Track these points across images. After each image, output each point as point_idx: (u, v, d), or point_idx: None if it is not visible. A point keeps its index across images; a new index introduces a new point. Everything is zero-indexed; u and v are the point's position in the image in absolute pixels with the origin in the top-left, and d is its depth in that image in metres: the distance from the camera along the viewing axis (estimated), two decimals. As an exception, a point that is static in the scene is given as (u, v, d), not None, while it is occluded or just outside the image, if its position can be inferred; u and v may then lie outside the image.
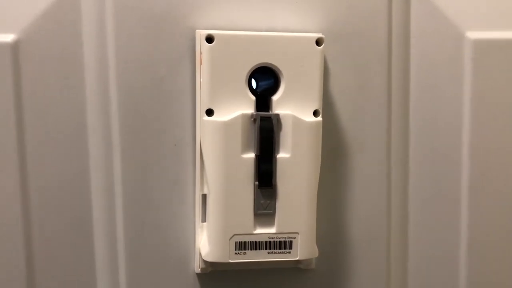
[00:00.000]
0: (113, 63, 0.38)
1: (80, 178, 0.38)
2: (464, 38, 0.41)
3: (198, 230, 0.39)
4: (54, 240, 0.38)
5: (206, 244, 0.37)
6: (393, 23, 0.41)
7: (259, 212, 0.36)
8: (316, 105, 0.37)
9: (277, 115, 0.36)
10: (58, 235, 0.38)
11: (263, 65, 0.36)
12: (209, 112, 0.36)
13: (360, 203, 0.41)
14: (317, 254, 0.37)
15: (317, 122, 0.36)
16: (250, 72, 0.36)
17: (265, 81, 0.36)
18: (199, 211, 0.38)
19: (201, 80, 0.36)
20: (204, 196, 0.38)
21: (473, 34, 0.41)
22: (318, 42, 0.36)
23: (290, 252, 0.36)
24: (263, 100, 0.36)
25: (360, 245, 0.42)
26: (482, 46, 0.42)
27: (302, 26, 0.39)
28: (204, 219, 0.38)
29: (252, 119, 0.35)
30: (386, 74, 0.41)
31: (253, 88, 0.37)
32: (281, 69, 0.36)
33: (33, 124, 0.37)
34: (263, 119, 0.35)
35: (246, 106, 0.36)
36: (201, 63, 0.37)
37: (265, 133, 0.35)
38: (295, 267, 0.40)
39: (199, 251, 0.38)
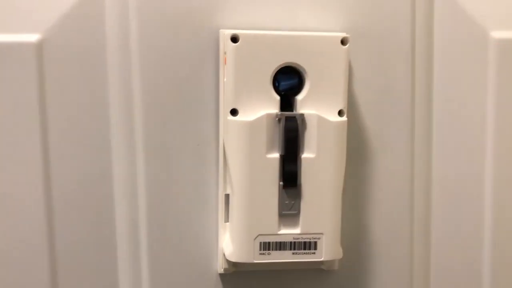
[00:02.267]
0: (136, 62, 0.38)
1: (103, 177, 0.38)
2: (489, 37, 0.41)
3: (221, 230, 0.39)
4: (76, 239, 0.38)
5: (230, 244, 0.37)
6: (416, 22, 0.40)
7: (283, 212, 0.35)
8: (341, 105, 0.36)
9: (302, 115, 0.35)
10: (80, 234, 0.38)
11: (287, 64, 0.35)
12: (234, 112, 0.35)
13: (383, 203, 0.41)
14: (341, 255, 0.37)
15: (342, 122, 0.36)
16: (275, 72, 0.35)
17: (289, 80, 0.36)
18: (222, 211, 0.38)
19: (225, 79, 0.36)
20: (227, 196, 0.38)
21: (497, 34, 0.41)
22: (343, 42, 0.36)
23: (314, 253, 0.36)
24: (287, 100, 0.36)
25: (383, 246, 0.41)
26: (507, 46, 0.41)
27: (325, 25, 0.39)
28: (227, 219, 0.38)
29: (277, 119, 0.35)
30: (410, 74, 0.40)
31: (277, 88, 0.36)
32: (305, 68, 0.35)
33: (57, 123, 0.37)
34: (288, 119, 0.35)
35: (271, 106, 0.36)
36: (225, 63, 0.36)
37: (290, 133, 0.35)
38: (318, 268, 0.40)
39: (222, 251, 0.38)
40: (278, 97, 0.36)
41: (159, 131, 0.38)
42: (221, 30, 0.37)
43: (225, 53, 0.36)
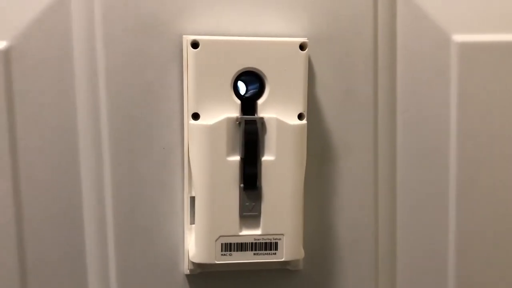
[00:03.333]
0: (102, 68, 0.38)
1: (70, 180, 0.39)
2: (450, 41, 0.42)
3: (186, 232, 0.39)
4: (45, 242, 0.39)
5: (193, 245, 0.37)
6: (379, 26, 0.41)
7: (244, 214, 0.36)
8: (301, 108, 0.37)
9: (262, 118, 0.36)
10: (49, 236, 0.39)
11: (247, 69, 0.36)
12: (195, 116, 0.36)
13: (347, 205, 0.42)
14: (303, 255, 0.38)
15: (301, 125, 0.37)
16: (235, 77, 0.36)
17: (250, 85, 0.37)
18: (188, 213, 0.39)
19: (188, 84, 0.37)
20: (192, 199, 0.39)
21: (459, 37, 0.42)
22: (302, 47, 0.37)
23: (275, 253, 0.37)
24: (249, 104, 0.37)
25: (348, 247, 0.42)
26: (468, 49, 0.42)
27: (288, 30, 0.40)
28: (193, 221, 0.39)
29: (237, 122, 0.36)
30: (372, 77, 0.41)
31: (239, 92, 0.37)
32: (265, 73, 0.36)
33: (25, 129, 0.38)
34: (247, 122, 0.36)
35: (232, 110, 0.36)
36: (187, 68, 0.37)
37: (250, 136, 0.36)
38: (283, 268, 0.40)
39: (188, 252, 0.39)
40: (239, 101, 0.37)
41: (126, 135, 0.39)
42: (184, 36, 0.38)
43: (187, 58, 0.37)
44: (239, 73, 0.36)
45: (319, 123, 0.41)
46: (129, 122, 0.39)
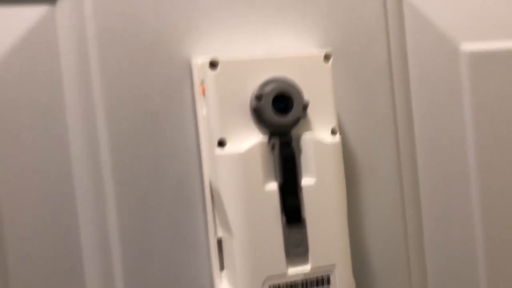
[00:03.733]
0: (99, 101, 0.33)
1: (68, 234, 0.32)
2: (459, 50, 0.41)
3: (217, 281, 0.34)
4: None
5: (233, 294, 0.32)
6: (390, 39, 0.39)
7: (291, 251, 0.32)
8: (333, 122, 0.34)
9: (298, 137, 0.32)
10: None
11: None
12: (221, 144, 0.32)
13: (376, 230, 0.39)
14: (354, 286, 0.34)
15: (337, 142, 0.33)
16: (260, 96, 0.32)
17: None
18: (215, 258, 0.34)
19: (206, 111, 0.33)
20: (219, 240, 0.34)
21: (467, 46, 0.41)
22: (326, 57, 0.34)
23: (328, 288, 0.32)
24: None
25: (381, 276, 0.39)
26: (477, 58, 0.41)
27: (300, 47, 0.37)
28: (222, 267, 0.34)
29: (270, 145, 0.32)
30: (389, 91, 0.39)
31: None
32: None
33: (16, 168, 0.31)
34: (282, 144, 0.32)
35: (259, 133, 0.32)
36: (203, 93, 0.33)
37: (288, 160, 0.32)
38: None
39: (222, 304, 0.34)
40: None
41: (132, 176, 0.34)
42: (193, 59, 0.34)
43: (201, 82, 0.33)
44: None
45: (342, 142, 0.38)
46: (135, 161, 0.34)
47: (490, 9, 0.42)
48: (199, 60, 0.33)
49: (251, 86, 0.32)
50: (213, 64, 0.32)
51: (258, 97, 0.31)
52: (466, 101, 0.41)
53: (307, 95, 0.33)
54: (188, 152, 0.35)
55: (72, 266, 0.33)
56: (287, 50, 0.36)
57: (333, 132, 0.34)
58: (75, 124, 0.33)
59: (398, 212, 0.39)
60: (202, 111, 0.34)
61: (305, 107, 0.32)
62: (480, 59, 0.41)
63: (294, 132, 0.33)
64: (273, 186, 0.32)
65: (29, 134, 0.32)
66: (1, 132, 0.31)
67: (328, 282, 0.33)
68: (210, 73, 0.32)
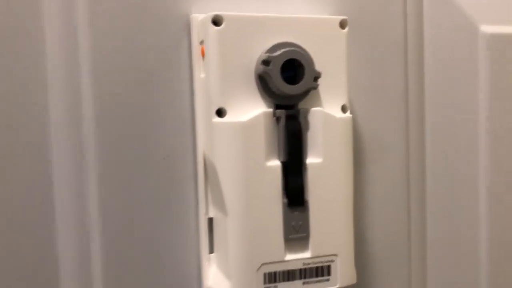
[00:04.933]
0: (85, 56, 0.29)
1: (42, 204, 0.29)
2: (479, 32, 0.38)
3: (205, 264, 0.31)
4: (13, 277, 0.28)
5: (224, 279, 0.29)
6: (408, 14, 0.36)
7: (290, 236, 0.28)
8: (344, 99, 0.31)
9: (305, 111, 0.29)
10: (17, 275, 0.28)
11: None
12: (220, 113, 0.28)
13: (380, 216, 0.36)
14: (355, 280, 0.31)
15: (348, 119, 0.30)
16: (267, 61, 0.29)
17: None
18: (206, 239, 0.31)
19: (206, 74, 0.29)
20: (210, 220, 0.30)
21: (487, 28, 0.38)
22: (342, 25, 0.30)
23: (328, 280, 0.29)
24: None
25: (381, 265, 0.36)
26: (497, 40, 0.38)
27: (311, 12, 0.33)
28: (211, 249, 0.31)
29: (275, 117, 0.29)
30: (402, 69, 0.36)
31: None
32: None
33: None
34: (289, 117, 0.28)
35: (263, 103, 0.29)
36: (202, 54, 0.29)
37: (293, 135, 0.28)
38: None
39: (209, 290, 0.30)
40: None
41: (116, 142, 0.30)
42: (193, 15, 0.30)
43: (201, 42, 0.29)
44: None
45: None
46: (121, 126, 0.30)
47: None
48: (200, 17, 0.29)
49: (258, 49, 0.29)
50: (216, 21, 0.28)
51: (266, 62, 0.28)
52: (482, 84, 0.38)
53: (318, 64, 0.29)
54: (181, 120, 0.31)
55: (45, 241, 0.29)
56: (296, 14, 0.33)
57: (343, 109, 0.31)
58: (56, 81, 0.29)
59: (402, 199, 0.37)
60: (199, 74, 0.30)
61: (316, 77, 0.29)
62: (500, 42, 0.38)
63: (301, 105, 0.30)
64: (275, 162, 0.28)
65: (7, 91, 0.28)
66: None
67: (329, 272, 0.30)
68: (213, 30, 0.28)
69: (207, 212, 0.31)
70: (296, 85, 0.28)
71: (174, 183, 0.31)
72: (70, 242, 0.29)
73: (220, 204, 0.29)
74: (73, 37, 0.29)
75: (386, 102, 0.36)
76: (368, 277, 0.36)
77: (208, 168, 0.30)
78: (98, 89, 0.29)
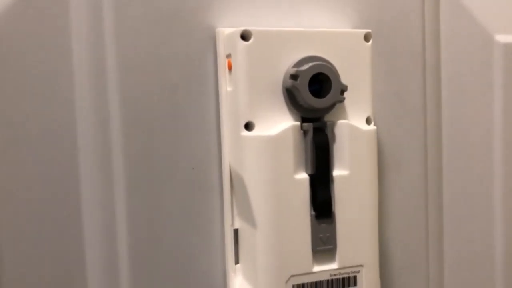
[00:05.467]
0: (112, 68, 0.29)
1: (69, 215, 0.29)
2: (494, 41, 0.38)
3: (230, 275, 0.31)
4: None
5: (251, 291, 0.29)
6: (426, 25, 0.37)
7: (318, 248, 0.29)
8: (369, 110, 0.31)
9: (332, 124, 0.29)
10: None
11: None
12: (248, 126, 0.29)
13: (398, 227, 0.36)
14: (380, 289, 0.31)
15: (373, 131, 0.31)
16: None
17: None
18: (231, 250, 0.31)
19: (233, 88, 0.29)
20: (236, 232, 0.31)
21: (502, 38, 0.39)
22: (366, 38, 0.31)
23: (354, 290, 0.30)
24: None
25: (400, 276, 0.37)
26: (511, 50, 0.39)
27: (332, 26, 0.34)
28: (237, 260, 0.31)
29: (302, 130, 0.29)
30: (421, 79, 0.37)
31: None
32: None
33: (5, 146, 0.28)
34: (316, 130, 0.29)
35: (290, 116, 0.29)
36: (228, 68, 0.30)
37: (321, 147, 0.29)
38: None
39: (236, 301, 0.30)
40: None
41: (143, 155, 0.30)
42: (218, 29, 0.30)
43: (227, 55, 0.30)
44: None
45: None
46: (148, 138, 0.30)
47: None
48: (226, 30, 0.30)
49: (285, 63, 0.29)
50: (245, 36, 0.28)
51: (294, 76, 0.28)
52: (497, 94, 0.39)
53: (343, 77, 0.30)
54: (207, 133, 0.31)
55: (73, 251, 0.29)
56: (316, 27, 0.33)
57: (368, 121, 0.31)
58: (83, 94, 0.29)
59: (420, 210, 0.37)
60: (225, 87, 0.30)
61: (343, 91, 0.29)
62: (515, 53, 0.39)
63: (326, 117, 0.30)
64: (303, 175, 0.29)
65: (34, 99, 0.28)
66: (4, 97, 0.28)
67: (355, 283, 0.30)
68: (242, 45, 0.28)
69: (232, 223, 0.31)
70: (323, 99, 0.29)
71: (200, 195, 0.31)
72: (97, 252, 0.30)
73: (248, 216, 0.29)
74: (100, 48, 0.29)
75: (405, 113, 0.36)
76: (388, 287, 0.36)
77: (235, 181, 0.30)
78: (124, 101, 0.30)
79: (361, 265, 0.30)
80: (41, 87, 0.28)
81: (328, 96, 0.29)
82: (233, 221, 0.31)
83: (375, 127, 0.31)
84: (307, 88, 0.28)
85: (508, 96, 0.39)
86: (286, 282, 0.28)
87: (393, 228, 0.36)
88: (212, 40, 0.31)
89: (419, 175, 0.37)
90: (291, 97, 0.29)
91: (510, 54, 0.39)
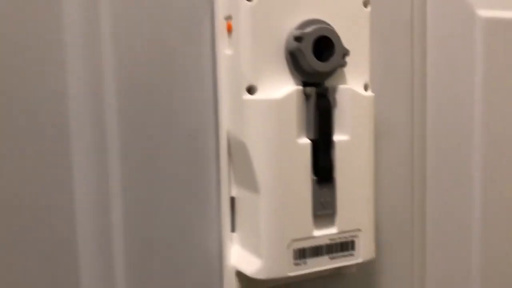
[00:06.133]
0: (106, 28, 0.28)
1: (62, 182, 0.27)
2: (475, 16, 0.39)
3: (227, 243, 0.31)
4: (33, 259, 0.27)
5: (252, 258, 0.29)
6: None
7: (318, 213, 0.29)
8: (366, 77, 0.31)
9: (334, 89, 0.29)
10: (38, 254, 0.27)
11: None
12: (251, 90, 0.28)
13: (387, 193, 0.37)
14: (374, 255, 0.32)
15: (372, 97, 0.31)
16: (296, 39, 0.29)
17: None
18: (227, 218, 0.30)
19: (234, 51, 0.28)
20: (232, 200, 0.30)
21: (484, 13, 0.40)
22: (365, 4, 0.31)
23: (352, 254, 0.30)
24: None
25: (388, 241, 0.37)
26: (493, 25, 0.40)
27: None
28: (233, 228, 0.31)
29: (305, 95, 0.29)
30: (409, 51, 0.37)
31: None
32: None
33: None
34: (319, 95, 0.29)
35: (292, 80, 0.29)
36: (228, 30, 0.29)
37: (324, 112, 0.28)
38: (336, 273, 0.34)
39: (234, 268, 0.30)
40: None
41: (136, 120, 0.29)
42: (218, -12, 0.29)
43: (227, 17, 0.29)
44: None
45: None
46: (142, 104, 0.29)
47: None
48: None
49: (288, 26, 0.28)
50: (249, -4, 0.27)
51: (298, 38, 0.27)
52: (478, 64, 0.40)
53: (344, 42, 0.30)
54: (203, 98, 0.30)
55: (65, 216, 0.28)
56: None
57: (365, 87, 0.31)
58: (77, 58, 0.27)
59: (406, 176, 0.38)
60: (224, 51, 0.29)
61: (345, 55, 0.29)
62: (495, 26, 0.40)
63: (328, 83, 0.30)
64: (306, 140, 0.29)
65: (26, 79, 0.26)
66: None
67: (353, 247, 0.30)
68: (245, 6, 0.27)
69: (229, 191, 0.30)
70: (326, 62, 0.28)
71: (197, 162, 0.31)
72: (91, 222, 0.28)
73: (249, 182, 0.29)
74: (94, 15, 0.27)
75: (393, 82, 0.37)
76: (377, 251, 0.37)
77: (234, 147, 0.29)
78: (119, 65, 0.28)
79: (359, 230, 0.30)
80: (33, 57, 0.26)
81: (331, 60, 0.28)
82: (230, 188, 0.30)
83: (373, 94, 0.31)
84: (311, 51, 0.28)
85: (488, 66, 0.40)
86: (288, 246, 0.28)
87: (381, 194, 0.37)
88: (209, 1, 0.30)
89: (405, 142, 0.38)
90: (294, 61, 0.28)
91: (490, 28, 0.40)
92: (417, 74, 0.38)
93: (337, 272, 0.33)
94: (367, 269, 0.36)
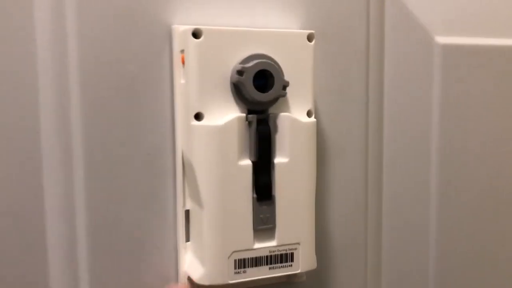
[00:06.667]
0: (74, 61, 0.32)
1: (32, 194, 0.31)
2: (433, 42, 0.42)
3: (181, 251, 0.34)
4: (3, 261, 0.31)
5: (198, 265, 0.32)
6: (370, 25, 0.40)
7: (259, 227, 0.32)
8: (309, 105, 0.34)
9: (274, 116, 0.33)
10: (7, 258, 0.31)
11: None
12: (198, 116, 0.32)
13: (340, 209, 0.40)
14: (315, 265, 0.35)
15: (313, 123, 0.34)
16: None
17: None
18: (182, 228, 0.34)
19: (184, 81, 0.32)
20: (187, 212, 0.34)
21: (442, 39, 0.42)
22: (309, 38, 0.34)
23: (291, 265, 0.33)
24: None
25: (340, 252, 0.40)
26: (451, 51, 0.42)
27: (282, 24, 0.37)
28: (188, 238, 0.34)
29: (247, 121, 0.32)
30: (364, 77, 0.40)
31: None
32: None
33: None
34: (260, 121, 0.32)
35: (237, 108, 0.32)
36: (183, 62, 0.32)
37: (263, 137, 0.32)
38: (288, 281, 0.37)
39: (185, 274, 0.34)
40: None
41: (102, 140, 0.33)
42: (174, 26, 0.33)
43: (181, 51, 0.32)
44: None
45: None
46: (107, 125, 0.33)
47: (469, 4, 0.43)
48: (181, 28, 0.32)
49: (233, 59, 0.32)
50: (196, 33, 0.31)
51: (240, 72, 0.31)
52: (435, 90, 0.42)
53: (287, 74, 0.33)
54: (162, 121, 0.34)
55: (34, 227, 0.32)
56: (268, 27, 0.36)
57: (309, 114, 0.34)
58: (46, 84, 0.31)
59: (361, 194, 0.41)
60: (179, 80, 0.33)
61: (285, 86, 0.32)
62: (453, 53, 0.42)
63: (271, 110, 0.33)
64: (247, 162, 0.32)
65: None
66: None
67: (292, 259, 0.33)
68: (193, 42, 0.31)
69: (184, 204, 0.34)
70: (267, 93, 0.32)
71: (155, 178, 0.34)
72: (58, 231, 0.32)
73: (197, 198, 0.32)
74: (63, 45, 0.31)
75: (348, 106, 0.40)
76: (328, 263, 0.40)
77: (186, 166, 0.33)
78: (85, 91, 0.32)
79: (298, 243, 0.33)
80: (5, 81, 0.31)
81: (271, 91, 0.32)
82: (185, 202, 0.34)
83: (314, 120, 0.34)
84: (251, 83, 0.31)
85: (446, 92, 0.43)
86: (229, 257, 0.32)
87: (335, 210, 0.40)
88: (169, 36, 0.34)
89: (361, 161, 0.40)
90: (238, 91, 0.32)
91: (448, 54, 0.42)
92: (372, 100, 0.41)
93: (287, 281, 0.36)
94: (318, 278, 0.39)
